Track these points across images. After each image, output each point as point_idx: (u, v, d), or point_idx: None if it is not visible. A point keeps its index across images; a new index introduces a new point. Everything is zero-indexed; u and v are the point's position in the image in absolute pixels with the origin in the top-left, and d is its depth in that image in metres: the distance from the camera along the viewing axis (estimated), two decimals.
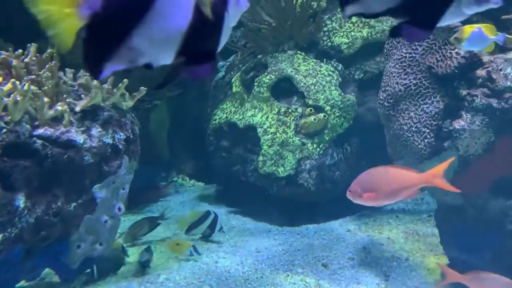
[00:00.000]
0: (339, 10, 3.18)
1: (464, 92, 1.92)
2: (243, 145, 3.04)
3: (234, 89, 3.13)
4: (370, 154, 2.92)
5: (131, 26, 0.62)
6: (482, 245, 1.98)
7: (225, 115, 3.12)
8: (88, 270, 2.11)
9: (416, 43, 2.14)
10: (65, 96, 1.91)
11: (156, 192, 3.53)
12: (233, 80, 3.17)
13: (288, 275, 2.26)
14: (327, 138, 2.89)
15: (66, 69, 2.06)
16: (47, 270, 2.10)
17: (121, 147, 2.01)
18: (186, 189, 3.72)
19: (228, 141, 3.11)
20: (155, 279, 2.18)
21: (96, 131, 1.92)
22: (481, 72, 1.88)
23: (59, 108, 1.81)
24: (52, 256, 1.91)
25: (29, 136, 1.73)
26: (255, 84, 2.99)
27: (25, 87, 1.71)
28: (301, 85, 2.91)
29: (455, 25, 1.89)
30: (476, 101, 1.86)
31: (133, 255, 2.38)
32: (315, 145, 2.87)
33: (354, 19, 3.11)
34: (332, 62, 3.08)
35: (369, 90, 3.01)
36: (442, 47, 2.03)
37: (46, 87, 1.84)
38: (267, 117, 2.92)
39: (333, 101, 2.89)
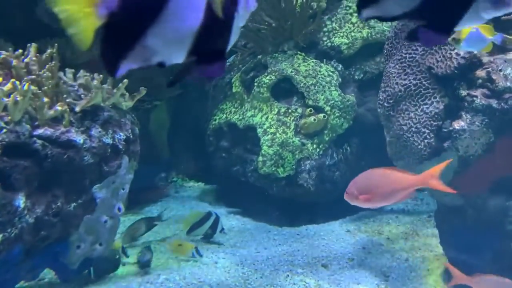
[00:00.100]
0: (339, 10, 3.18)
1: (464, 93, 1.92)
2: (243, 146, 3.04)
3: (234, 90, 3.13)
4: (370, 155, 2.92)
5: (146, 26, 0.64)
6: (482, 246, 1.98)
7: (225, 116, 3.12)
8: (86, 271, 2.11)
9: (416, 44, 2.15)
10: (65, 96, 1.91)
11: (156, 192, 3.53)
12: (233, 80, 3.17)
13: (288, 275, 2.26)
14: (327, 139, 2.89)
15: (66, 69, 2.06)
16: (46, 270, 2.10)
17: (121, 147, 2.01)
18: (186, 189, 3.72)
19: (228, 142, 3.11)
20: (154, 279, 2.18)
21: (96, 131, 1.92)
22: (481, 73, 1.88)
23: (59, 108, 1.81)
24: (52, 256, 1.91)
25: (29, 136, 1.72)
26: (255, 84, 3.00)
27: (25, 87, 1.71)
28: (301, 85, 2.91)
29: None
30: (476, 101, 1.86)
31: (132, 255, 2.38)
32: (315, 146, 2.87)
33: (354, 19, 3.11)
34: (332, 63, 3.08)
35: (369, 91, 3.01)
36: (442, 48, 2.03)
37: (46, 87, 1.84)
38: (267, 118, 2.92)
39: (333, 101, 2.89)
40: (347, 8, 3.16)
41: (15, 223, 1.66)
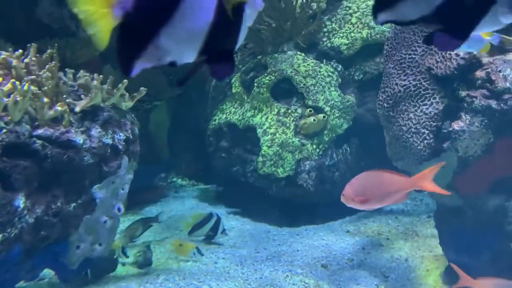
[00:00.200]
0: (338, 11, 3.18)
1: (463, 93, 1.92)
2: (242, 146, 3.04)
3: (233, 90, 3.14)
4: (369, 155, 2.92)
5: (159, 26, 0.65)
6: (481, 246, 1.99)
7: (224, 116, 3.12)
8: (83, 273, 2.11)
9: (416, 44, 2.15)
10: (65, 96, 1.91)
11: (156, 192, 3.53)
12: (232, 80, 3.17)
13: (288, 275, 2.26)
14: (326, 139, 2.89)
15: (66, 69, 2.06)
16: (46, 270, 2.10)
17: (120, 147, 2.01)
18: (185, 189, 3.72)
19: (227, 142, 3.11)
20: (154, 280, 2.18)
21: (95, 131, 1.92)
22: (480, 74, 1.88)
23: (59, 108, 1.81)
24: (52, 256, 1.91)
25: (29, 136, 1.73)
26: (255, 84, 3.00)
27: (25, 87, 1.71)
28: (300, 85, 2.91)
29: None
30: (475, 102, 1.87)
31: (131, 256, 2.38)
32: (314, 146, 2.87)
33: (353, 20, 3.11)
34: (332, 63, 3.08)
35: (369, 91, 3.02)
36: None
37: (46, 88, 1.84)
38: (267, 118, 2.92)
39: (332, 102, 2.90)
40: (347, 8, 3.17)
41: (15, 223, 1.66)
